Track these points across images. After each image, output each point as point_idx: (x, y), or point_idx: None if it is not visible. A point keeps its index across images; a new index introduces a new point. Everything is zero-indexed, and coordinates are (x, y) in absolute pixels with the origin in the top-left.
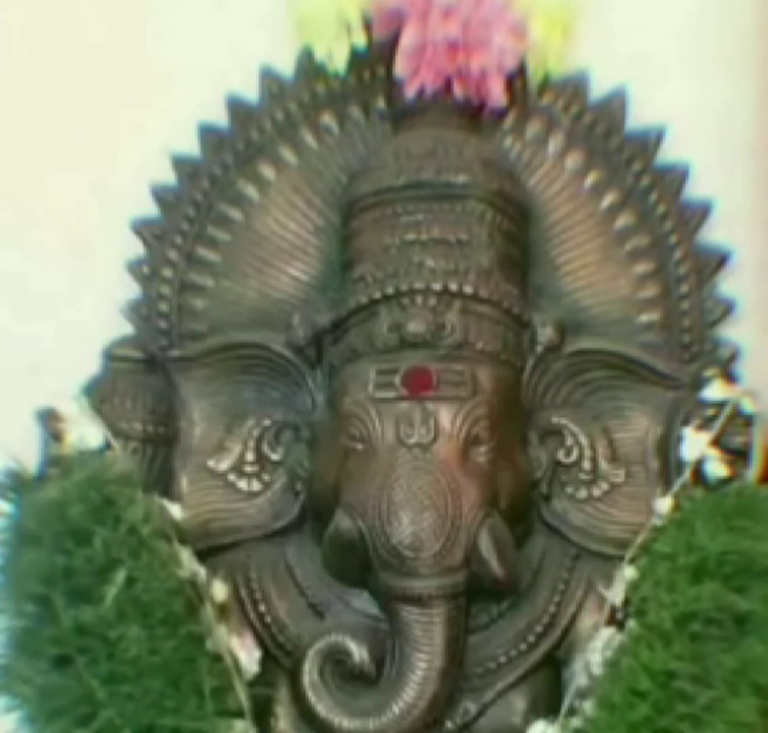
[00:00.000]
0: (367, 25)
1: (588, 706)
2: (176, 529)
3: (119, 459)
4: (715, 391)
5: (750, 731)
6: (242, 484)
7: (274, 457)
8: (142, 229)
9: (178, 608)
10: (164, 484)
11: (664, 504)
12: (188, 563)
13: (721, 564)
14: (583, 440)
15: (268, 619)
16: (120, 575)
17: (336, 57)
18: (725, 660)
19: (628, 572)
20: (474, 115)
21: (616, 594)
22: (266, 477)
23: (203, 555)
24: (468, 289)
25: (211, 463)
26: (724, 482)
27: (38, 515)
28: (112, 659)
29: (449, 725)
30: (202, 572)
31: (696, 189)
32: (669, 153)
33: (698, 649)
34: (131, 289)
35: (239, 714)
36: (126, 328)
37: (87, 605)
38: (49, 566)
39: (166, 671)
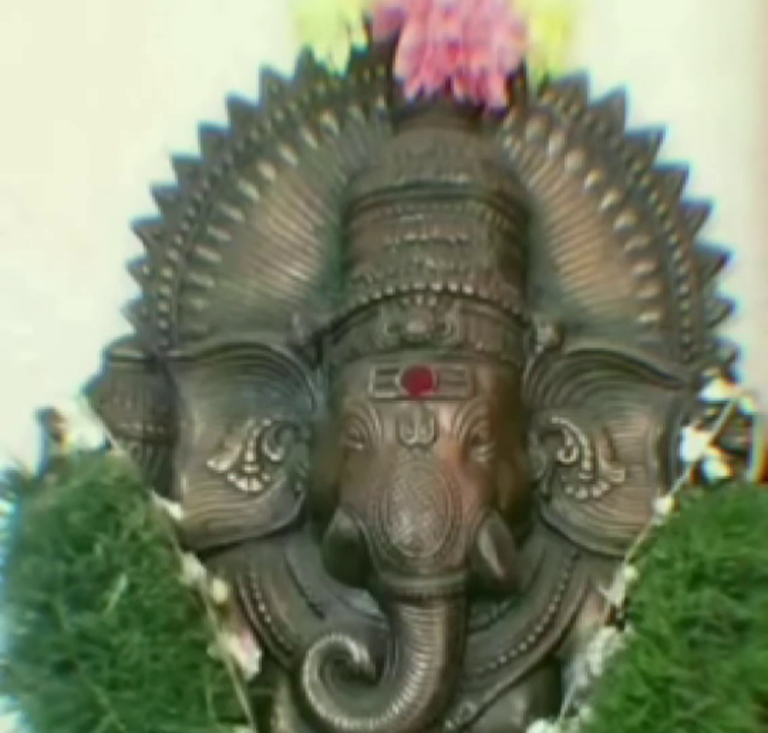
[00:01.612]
0: (367, 25)
1: (585, 712)
2: (177, 534)
3: (119, 460)
4: (715, 391)
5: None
6: (242, 484)
7: (274, 457)
8: (142, 229)
9: (180, 615)
10: (164, 484)
11: (664, 504)
12: (190, 569)
13: (720, 571)
14: (583, 440)
15: (268, 619)
16: (121, 582)
17: (336, 57)
18: (724, 667)
19: (628, 572)
20: (474, 115)
21: (616, 594)
22: (266, 477)
23: (203, 555)
24: (468, 289)
25: (211, 463)
26: (724, 482)
27: (38, 521)
28: (114, 666)
29: (449, 725)
30: (203, 575)
31: (696, 189)
32: (669, 153)
33: (696, 655)
34: (131, 289)
35: (241, 720)
36: (126, 328)
37: (89, 611)
38: (50, 572)
39: (168, 678)
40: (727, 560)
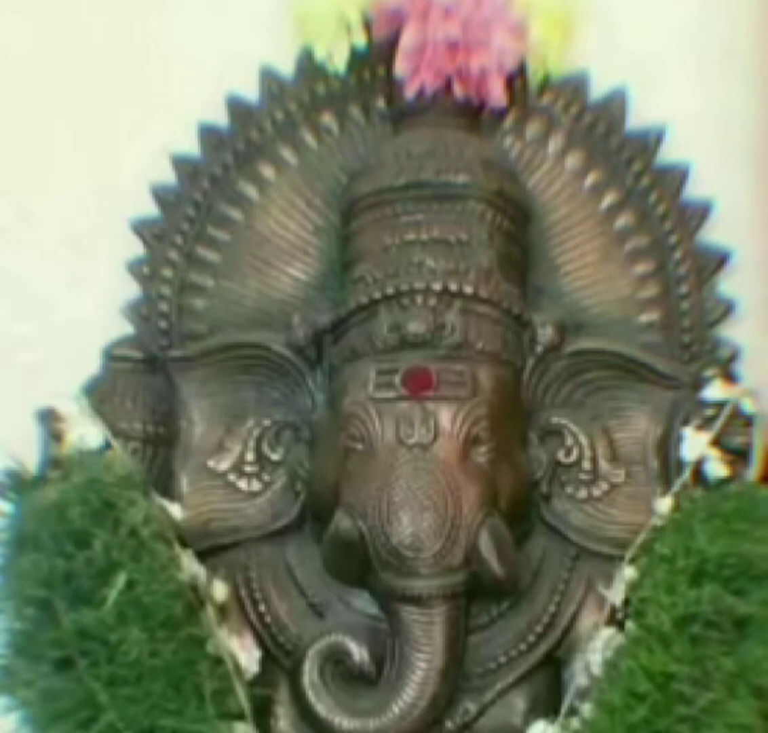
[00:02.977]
0: (367, 25)
1: (587, 708)
2: (176, 531)
3: (119, 459)
4: (715, 391)
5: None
6: (242, 484)
7: (274, 457)
8: (142, 229)
9: (179, 611)
10: (164, 484)
11: (664, 504)
12: (188, 566)
13: (721, 567)
14: (583, 440)
15: (268, 619)
16: (120, 578)
17: (336, 57)
18: (724, 663)
19: (628, 572)
20: (474, 115)
21: (616, 594)
22: (266, 477)
23: (203, 555)
24: (468, 289)
25: (211, 463)
26: (724, 482)
27: (38, 517)
28: (112, 662)
29: (449, 725)
30: (202, 574)
31: (696, 189)
32: (669, 153)
33: (697, 651)
34: (131, 289)
35: (240, 717)
36: (126, 328)
37: (87, 608)
38: (49, 569)
39: (166, 674)
40: (728, 557)
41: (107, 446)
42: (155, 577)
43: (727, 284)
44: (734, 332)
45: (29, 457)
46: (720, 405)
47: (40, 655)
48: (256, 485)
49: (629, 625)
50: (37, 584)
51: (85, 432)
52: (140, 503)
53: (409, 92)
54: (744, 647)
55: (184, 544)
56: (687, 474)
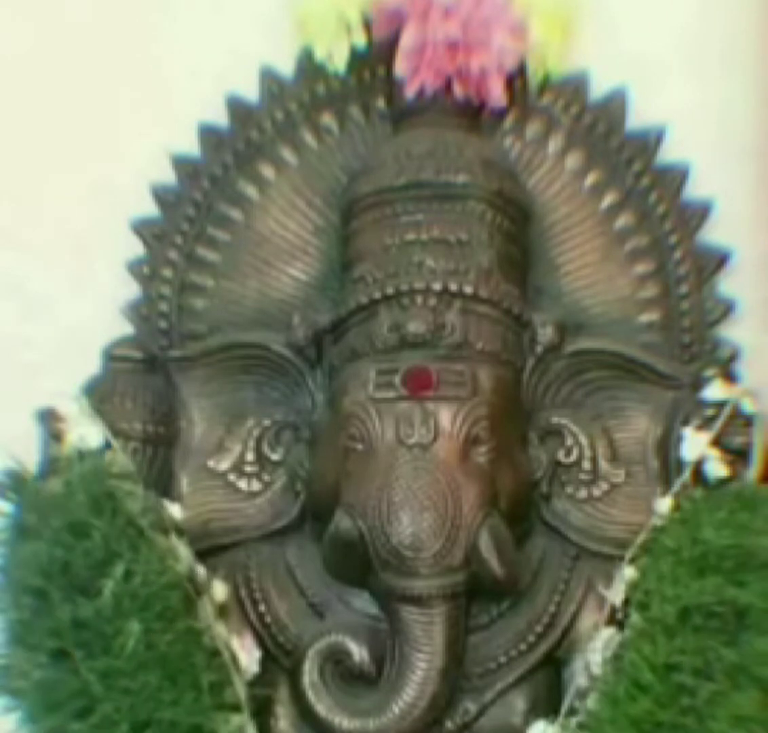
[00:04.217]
0: (367, 25)
1: (590, 700)
2: (173, 523)
3: (119, 459)
4: (715, 391)
5: (752, 725)
6: (242, 484)
7: (274, 457)
8: (142, 229)
9: (176, 603)
10: (164, 484)
11: (664, 504)
12: (186, 556)
13: (723, 558)
14: (583, 440)
15: (268, 619)
16: (118, 569)
17: (336, 57)
18: (726, 654)
19: (628, 572)
20: (474, 115)
21: (616, 594)
22: (266, 477)
23: (203, 555)
24: (468, 289)
25: (211, 463)
26: (724, 482)
27: (39, 509)
28: (108, 654)
29: (449, 725)
30: (200, 569)
31: (696, 189)
32: (669, 153)
33: (700, 642)
34: (131, 290)
35: (237, 708)
36: (126, 328)
37: (85, 598)
38: (48, 559)
39: (163, 666)
40: (730, 548)
41: (107, 446)
42: (153, 568)
43: (727, 284)
44: (734, 332)
45: (29, 457)
46: (720, 405)
47: (37, 645)
48: (256, 485)
49: (634, 617)
50: (35, 573)
51: (85, 432)
52: (139, 494)
53: (409, 92)
54: (744, 638)
55: (182, 536)
56: (687, 474)
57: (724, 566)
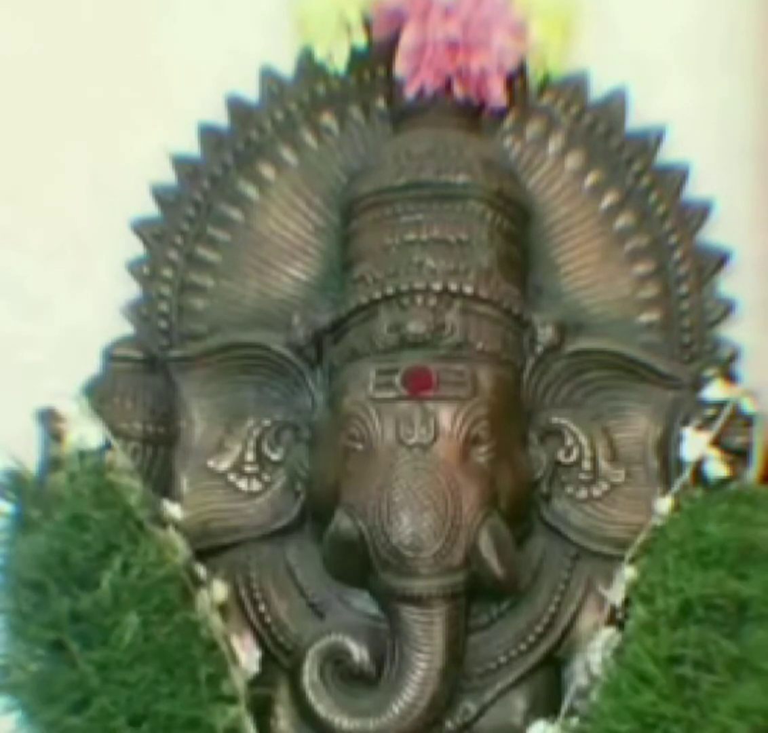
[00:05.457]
0: (367, 25)
1: (593, 693)
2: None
3: (119, 459)
4: (715, 391)
5: (755, 716)
6: (242, 484)
7: (274, 457)
8: (142, 229)
9: (174, 595)
10: (164, 484)
11: (664, 504)
12: (182, 549)
13: (725, 551)
14: (583, 440)
15: (268, 619)
16: (117, 561)
17: (336, 57)
18: (727, 646)
19: (628, 572)
20: (474, 115)
21: (616, 594)
22: (266, 477)
23: (203, 555)
24: (468, 289)
25: (211, 463)
26: (724, 482)
27: (39, 503)
28: (106, 646)
29: (449, 725)
30: (200, 569)
31: (696, 189)
32: (669, 153)
33: (702, 635)
34: (131, 289)
35: (234, 700)
36: (126, 329)
37: (83, 591)
38: (47, 551)
39: (161, 658)
40: (731, 541)
41: (107, 445)
42: (151, 560)
43: (727, 284)
44: (734, 332)
45: (29, 457)
46: (720, 405)
47: (35, 638)
48: (256, 485)
49: (637, 609)
50: (34, 566)
51: (85, 432)
52: (137, 488)
53: (409, 92)
54: (746, 630)
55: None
56: (687, 474)
57: (727, 558)
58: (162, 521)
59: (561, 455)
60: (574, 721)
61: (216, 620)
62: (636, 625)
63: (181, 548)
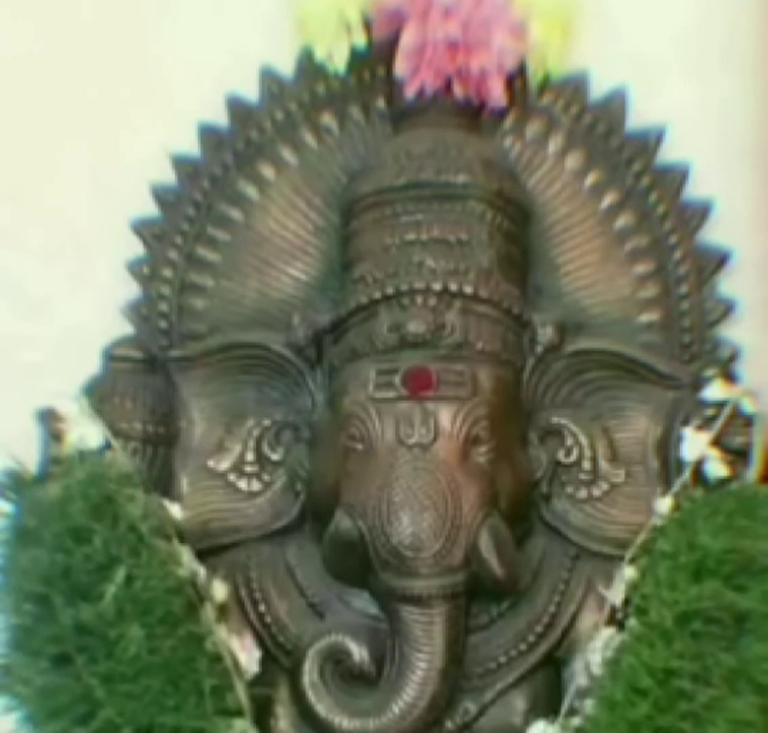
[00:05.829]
0: (367, 25)
1: (589, 705)
2: (175, 527)
3: (119, 459)
4: (715, 391)
5: (751, 730)
6: (242, 484)
7: (274, 457)
8: (142, 229)
9: (178, 608)
10: (164, 484)
11: (664, 504)
12: (188, 562)
13: (722, 563)
14: (583, 440)
15: (268, 619)
16: (120, 574)
17: (336, 57)
18: (724, 659)
19: (628, 572)
20: (474, 115)
21: (616, 594)
22: (266, 477)
23: (203, 555)
24: (468, 289)
25: (211, 463)
26: (724, 482)
27: (39, 514)
28: (111, 658)
29: (449, 725)
30: (201, 571)
31: (696, 189)
32: (669, 153)
33: (698, 647)
34: (131, 290)
35: (239, 713)
36: (126, 329)
37: (86, 603)
38: (49, 564)
39: (165, 671)
40: (729, 553)
41: (107, 445)
42: (154, 572)
43: (727, 284)
44: (734, 332)
45: (29, 457)
46: (720, 405)
47: (39, 651)
48: (256, 485)
49: (631, 622)
50: (36, 579)
51: (85, 432)
52: (139, 499)
53: (409, 92)
54: (744, 643)
55: (183, 540)
56: (687, 474)
57: (723, 570)
58: (165, 533)
59: (561, 455)
60: (574, 721)
61: (221, 633)
62: (631, 637)
63: (186, 561)
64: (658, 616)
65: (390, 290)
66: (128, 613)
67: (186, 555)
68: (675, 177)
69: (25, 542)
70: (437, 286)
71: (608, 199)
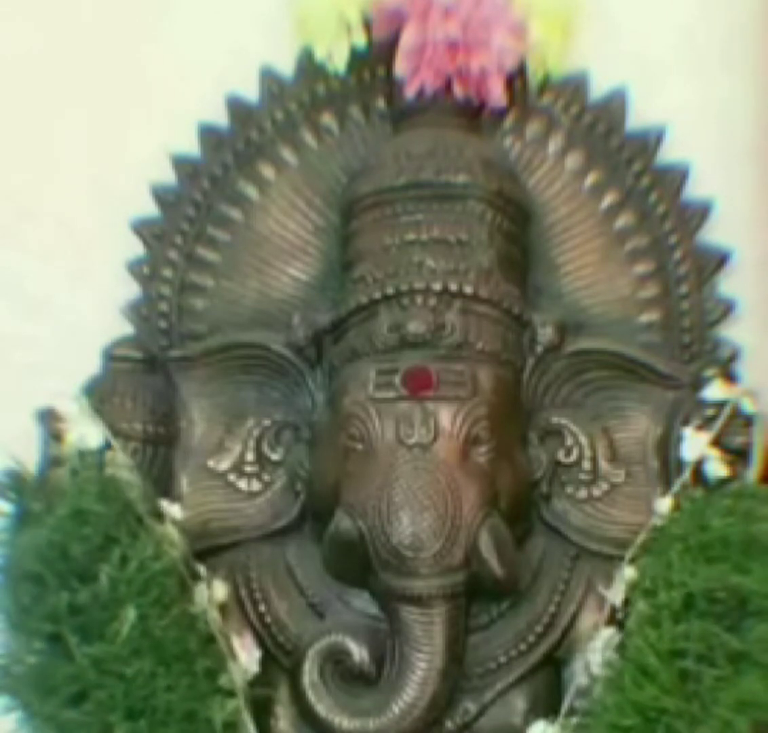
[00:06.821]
0: (367, 25)
1: (596, 687)
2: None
3: (119, 459)
4: (715, 391)
5: (757, 711)
6: (242, 484)
7: (274, 457)
8: (142, 229)
9: (171, 588)
10: (164, 484)
11: (664, 504)
12: (181, 543)
13: (728, 545)
14: (583, 440)
15: (268, 619)
16: (115, 555)
17: (336, 57)
18: (729, 640)
19: (628, 572)
20: (474, 115)
21: (616, 594)
22: (266, 477)
23: (203, 555)
24: (468, 289)
25: (211, 463)
26: (724, 482)
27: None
28: (103, 639)
29: (449, 725)
30: (201, 569)
31: (696, 189)
32: (669, 153)
33: (704, 628)
34: (131, 289)
35: (232, 694)
36: (126, 329)
37: (81, 584)
38: (47, 544)
39: (158, 651)
40: (735, 535)
41: (107, 445)
42: (148, 553)
43: (727, 284)
44: (734, 332)
45: (29, 457)
46: (720, 405)
47: (32, 631)
48: (256, 485)
49: (640, 604)
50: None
51: (85, 432)
52: (136, 482)
53: (409, 92)
54: (748, 624)
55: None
56: (687, 474)
57: (730, 552)
58: (160, 516)
59: (561, 455)
60: (574, 721)
61: (213, 614)
62: (638, 619)
63: (178, 542)
64: (666, 598)
65: (390, 290)
66: (123, 594)
67: (178, 536)
68: (675, 177)
69: (27, 525)
70: (437, 286)
71: (608, 199)
